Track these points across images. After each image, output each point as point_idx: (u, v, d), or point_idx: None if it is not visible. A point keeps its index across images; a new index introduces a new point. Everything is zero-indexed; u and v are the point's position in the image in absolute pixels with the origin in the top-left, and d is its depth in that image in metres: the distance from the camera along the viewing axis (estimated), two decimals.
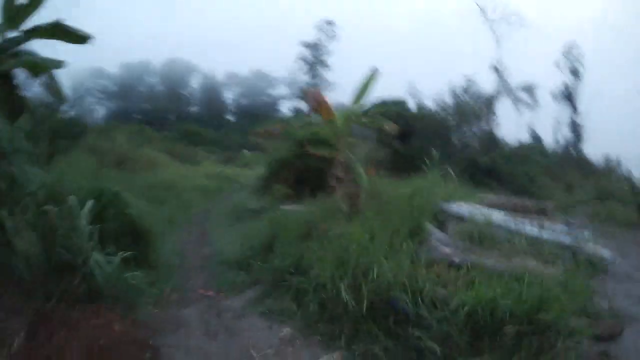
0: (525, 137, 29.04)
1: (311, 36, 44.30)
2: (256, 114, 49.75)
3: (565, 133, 30.46)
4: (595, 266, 5.33)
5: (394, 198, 6.53)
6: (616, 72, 40.58)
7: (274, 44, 58.24)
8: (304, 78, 45.20)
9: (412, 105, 23.18)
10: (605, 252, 5.76)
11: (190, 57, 55.16)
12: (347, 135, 7.73)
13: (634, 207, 12.98)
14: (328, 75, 44.46)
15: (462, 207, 6.63)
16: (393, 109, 12.54)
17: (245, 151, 32.91)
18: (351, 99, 7.79)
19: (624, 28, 43.75)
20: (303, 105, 44.23)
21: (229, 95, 56.61)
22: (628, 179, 20.92)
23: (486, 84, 29.64)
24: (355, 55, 52.73)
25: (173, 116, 51.67)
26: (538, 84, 31.33)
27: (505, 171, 20.81)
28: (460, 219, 6.27)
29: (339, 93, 43.22)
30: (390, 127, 8.28)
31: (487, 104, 27.79)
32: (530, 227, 6.12)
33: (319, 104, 7.34)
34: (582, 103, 30.41)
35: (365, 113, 8.07)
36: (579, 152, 29.58)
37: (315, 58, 44.55)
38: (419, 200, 6.29)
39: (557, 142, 30.48)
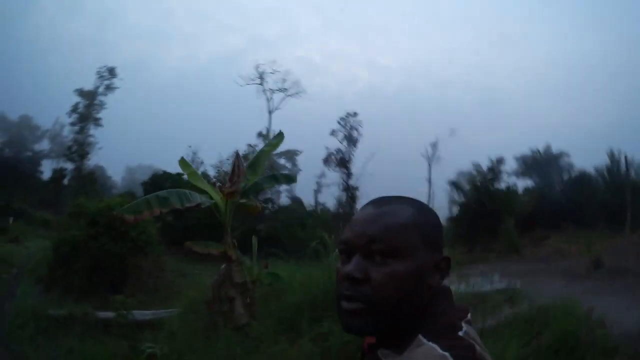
0: (285, 201, 30.77)
1: (91, 84, 37.29)
2: (18, 171, 38.92)
3: (340, 195, 32.27)
4: None
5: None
6: (392, 137, 47.90)
7: (48, 89, 48.15)
8: (71, 133, 37.68)
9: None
10: None
11: None
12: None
13: None
14: (98, 132, 37.51)
15: None
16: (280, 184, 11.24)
17: (12, 219, 25.30)
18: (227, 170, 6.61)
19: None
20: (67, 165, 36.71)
21: None
22: None
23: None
24: (133, 113, 47.56)
25: None
26: (309, 150, 33.65)
27: (287, 237, 20.28)
28: None
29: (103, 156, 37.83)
30: (260, 207, 7.29)
31: None
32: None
33: (234, 175, 5.64)
34: (356, 166, 32.14)
35: (247, 191, 6.29)
36: (353, 211, 31.73)
37: (87, 110, 37.08)
38: None
39: (320, 204, 32.39)
